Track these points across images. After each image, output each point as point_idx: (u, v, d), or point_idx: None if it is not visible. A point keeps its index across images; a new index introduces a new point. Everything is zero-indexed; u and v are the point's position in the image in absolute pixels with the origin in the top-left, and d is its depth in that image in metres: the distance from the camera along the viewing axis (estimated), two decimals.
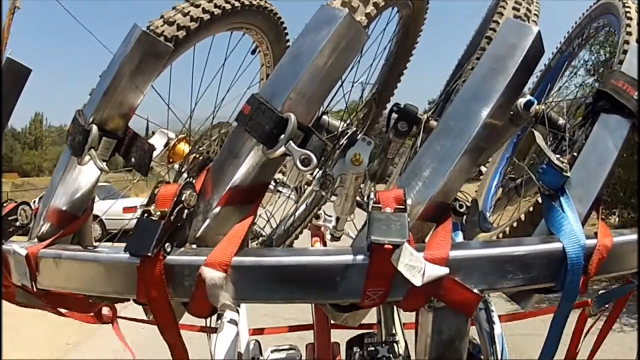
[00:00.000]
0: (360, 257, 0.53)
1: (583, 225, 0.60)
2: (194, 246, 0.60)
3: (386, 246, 0.50)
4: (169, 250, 0.55)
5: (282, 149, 0.57)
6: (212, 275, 0.52)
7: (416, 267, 0.50)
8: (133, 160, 0.72)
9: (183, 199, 0.57)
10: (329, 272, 0.53)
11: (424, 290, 0.52)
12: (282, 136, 0.57)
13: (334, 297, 0.55)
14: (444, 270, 0.52)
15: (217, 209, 0.61)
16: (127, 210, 7.11)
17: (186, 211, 0.58)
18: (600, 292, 0.99)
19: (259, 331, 1.46)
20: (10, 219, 0.72)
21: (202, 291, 0.53)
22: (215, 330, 1.07)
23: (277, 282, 0.55)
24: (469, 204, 0.83)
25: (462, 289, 0.53)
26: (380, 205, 0.55)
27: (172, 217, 0.56)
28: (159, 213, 0.56)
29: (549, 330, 0.59)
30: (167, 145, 0.99)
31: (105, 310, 0.78)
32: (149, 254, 0.53)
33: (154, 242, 0.53)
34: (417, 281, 0.50)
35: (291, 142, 0.56)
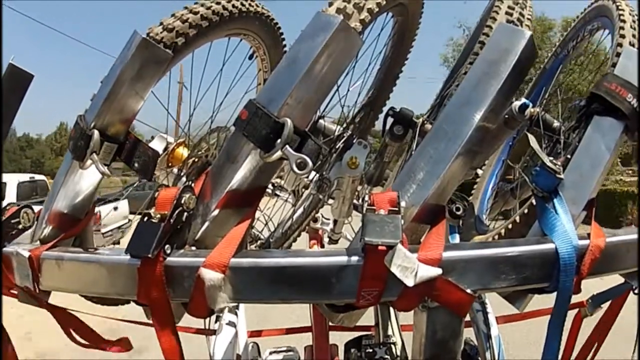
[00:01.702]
0: (354, 258, 0.54)
1: (576, 226, 0.60)
2: (193, 248, 0.62)
3: (380, 247, 0.51)
4: (168, 251, 0.56)
5: (279, 153, 0.58)
6: (210, 276, 0.53)
7: (409, 267, 0.51)
8: (136, 165, 0.73)
9: (182, 201, 0.58)
10: (325, 272, 0.54)
11: (418, 290, 0.52)
12: (279, 140, 0.58)
13: (329, 297, 0.56)
14: (437, 271, 0.52)
15: (216, 212, 0.62)
16: None
17: (185, 214, 0.59)
18: (596, 293, 1.00)
19: (257, 333, 1.46)
20: (12, 221, 0.73)
21: (201, 292, 0.54)
22: (213, 332, 1.08)
23: (274, 282, 0.56)
24: (465, 207, 0.84)
25: (455, 289, 0.54)
26: (374, 207, 0.56)
27: (172, 220, 0.57)
28: (158, 215, 0.57)
29: (547, 332, 0.59)
30: (165, 149, 1.00)
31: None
32: (149, 255, 0.54)
33: (154, 243, 0.54)
34: (410, 281, 0.51)
35: (287, 146, 0.58)
